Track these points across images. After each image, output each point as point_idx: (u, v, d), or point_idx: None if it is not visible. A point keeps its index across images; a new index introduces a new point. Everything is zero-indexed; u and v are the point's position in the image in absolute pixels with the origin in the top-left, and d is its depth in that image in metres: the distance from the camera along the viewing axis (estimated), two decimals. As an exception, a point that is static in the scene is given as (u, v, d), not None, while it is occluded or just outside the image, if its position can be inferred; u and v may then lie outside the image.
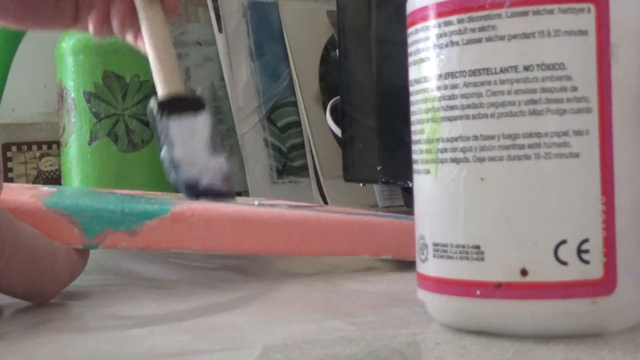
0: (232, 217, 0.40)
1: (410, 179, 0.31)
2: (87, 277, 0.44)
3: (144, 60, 0.81)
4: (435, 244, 0.28)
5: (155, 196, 0.48)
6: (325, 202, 0.86)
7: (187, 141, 0.49)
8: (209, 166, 0.48)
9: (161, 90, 0.50)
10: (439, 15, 0.28)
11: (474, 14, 0.27)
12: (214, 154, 0.49)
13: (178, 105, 0.50)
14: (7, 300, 0.35)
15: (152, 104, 0.49)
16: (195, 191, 0.46)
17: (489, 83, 0.27)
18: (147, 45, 0.50)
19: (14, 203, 0.36)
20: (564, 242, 0.26)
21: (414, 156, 0.30)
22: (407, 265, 0.42)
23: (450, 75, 0.28)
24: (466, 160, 0.27)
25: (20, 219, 0.34)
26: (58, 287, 0.35)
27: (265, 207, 0.43)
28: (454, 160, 0.28)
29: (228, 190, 0.49)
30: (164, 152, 0.48)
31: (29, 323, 0.32)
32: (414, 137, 0.30)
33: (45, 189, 0.44)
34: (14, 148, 0.97)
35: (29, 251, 0.33)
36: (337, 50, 0.77)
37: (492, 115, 0.27)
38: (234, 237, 0.40)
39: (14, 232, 0.32)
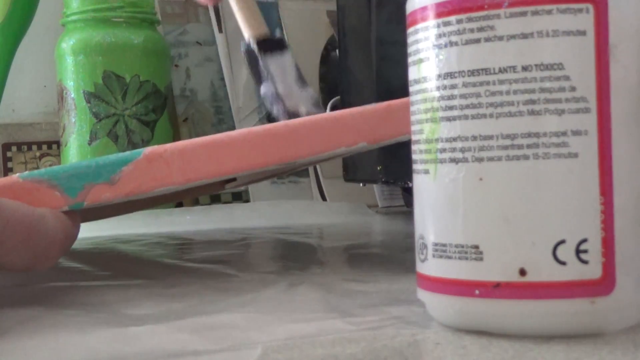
0: (204, 143, 0.39)
1: (410, 179, 0.31)
2: (85, 277, 0.45)
3: (144, 60, 0.81)
4: (435, 244, 0.29)
5: None
6: (321, 195, 0.86)
7: (284, 77, 0.52)
8: (303, 97, 0.51)
9: (252, 32, 0.54)
10: (438, 15, 0.28)
11: (473, 14, 0.27)
12: (304, 86, 0.52)
13: (269, 45, 0.53)
14: (6, 300, 0.35)
15: (248, 44, 0.53)
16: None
17: (488, 83, 0.27)
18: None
19: None
20: (562, 242, 0.26)
21: (414, 156, 0.30)
22: (406, 265, 0.42)
23: (449, 75, 0.28)
24: (465, 160, 0.27)
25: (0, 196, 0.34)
26: (56, 250, 0.35)
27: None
28: (453, 160, 0.28)
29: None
30: (265, 88, 0.51)
31: (27, 323, 0.32)
32: (413, 137, 0.30)
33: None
34: (14, 148, 0.97)
35: (19, 222, 0.33)
36: (337, 50, 0.77)
37: (491, 116, 0.27)
38: (212, 161, 0.39)
39: None
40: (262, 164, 0.40)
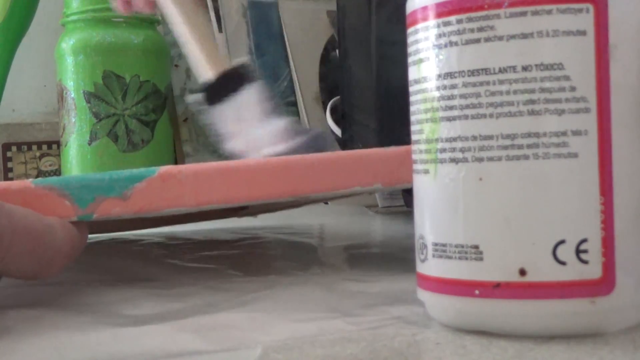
0: (219, 168, 0.39)
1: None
2: (85, 277, 0.45)
3: (144, 60, 0.81)
4: (435, 244, 0.29)
5: None
6: (325, 202, 0.86)
7: (240, 123, 0.46)
8: (270, 135, 0.45)
9: (208, 73, 0.47)
10: (438, 15, 0.28)
11: (473, 14, 0.27)
12: (268, 120, 0.46)
13: (222, 87, 0.47)
14: (5, 300, 0.35)
15: (194, 98, 0.47)
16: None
17: (488, 83, 0.27)
18: (180, 29, 0.48)
19: (1, 185, 0.36)
20: (562, 242, 0.26)
21: (414, 156, 0.30)
22: (406, 265, 0.42)
23: (449, 75, 0.28)
24: (465, 160, 0.27)
25: (10, 200, 0.34)
26: (62, 259, 0.35)
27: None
28: (453, 160, 0.28)
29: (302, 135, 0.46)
30: (224, 147, 0.45)
31: (27, 323, 0.33)
32: (413, 137, 0.30)
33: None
34: (14, 148, 0.97)
35: (27, 231, 0.33)
36: (337, 50, 0.77)
37: (491, 116, 0.27)
38: (224, 187, 0.39)
39: (7, 216, 0.32)
40: (275, 196, 0.40)
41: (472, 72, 0.27)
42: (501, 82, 0.27)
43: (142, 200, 0.38)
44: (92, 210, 0.37)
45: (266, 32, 0.90)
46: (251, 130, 0.46)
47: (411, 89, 0.30)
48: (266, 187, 0.40)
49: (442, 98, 0.28)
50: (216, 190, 0.39)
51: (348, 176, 0.41)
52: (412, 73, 0.30)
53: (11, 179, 0.94)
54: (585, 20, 0.26)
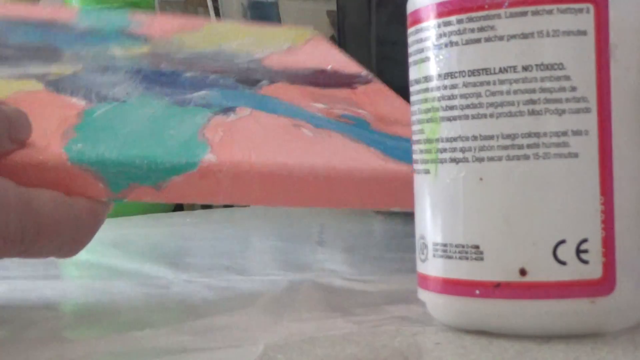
0: (260, 172, 0.39)
1: (410, 179, 0.31)
2: (85, 276, 0.45)
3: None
4: (435, 244, 0.29)
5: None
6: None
7: None
8: None
9: None
10: (439, 15, 0.28)
11: (473, 14, 0.27)
12: None
13: None
14: (5, 300, 0.35)
15: None
16: None
17: (488, 83, 0.27)
18: None
19: (36, 159, 0.36)
20: (562, 242, 0.26)
21: (414, 156, 0.30)
22: (406, 265, 0.42)
23: (450, 75, 0.28)
24: (465, 160, 0.27)
25: (43, 176, 0.33)
26: (82, 245, 0.35)
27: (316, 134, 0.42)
28: (453, 160, 0.28)
29: None
30: None
31: (27, 324, 0.33)
32: (413, 137, 0.30)
33: (76, 107, 0.42)
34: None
35: (51, 227, 0.32)
36: (337, 50, 0.77)
37: (491, 115, 0.27)
38: (261, 191, 0.39)
39: (32, 215, 0.32)
40: (309, 204, 0.39)
41: (473, 72, 0.27)
42: (501, 82, 0.27)
43: (176, 192, 0.37)
44: (124, 195, 0.37)
45: (266, 32, 0.90)
46: None
47: (411, 89, 0.30)
48: (302, 196, 0.39)
49: (442, 98, 0.28)
50: (252, 193, 0.39)
51: (385, 196, 0.40)
52: (413, 73, 0.30)
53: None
54: (586, 20, 0.26)
